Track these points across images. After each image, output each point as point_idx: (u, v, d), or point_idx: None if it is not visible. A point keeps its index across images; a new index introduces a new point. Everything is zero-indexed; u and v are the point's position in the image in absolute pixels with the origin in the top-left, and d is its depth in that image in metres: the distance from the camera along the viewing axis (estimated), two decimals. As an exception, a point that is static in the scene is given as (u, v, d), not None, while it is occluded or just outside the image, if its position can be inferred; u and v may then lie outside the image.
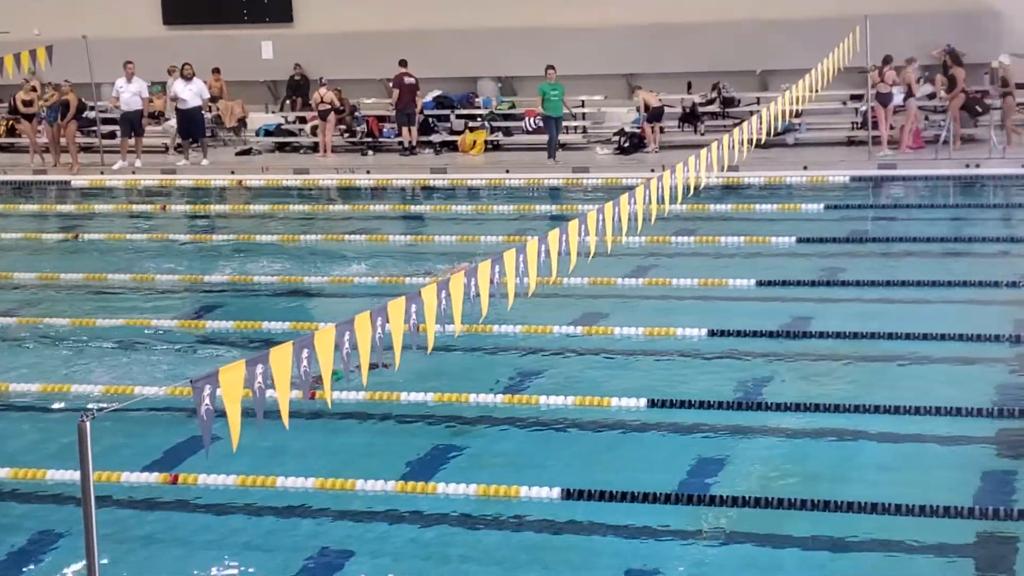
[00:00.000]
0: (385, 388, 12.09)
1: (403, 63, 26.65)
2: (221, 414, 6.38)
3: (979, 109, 24.39)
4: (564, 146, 25.81)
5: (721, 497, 9.91)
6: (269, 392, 6.84)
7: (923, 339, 13.31)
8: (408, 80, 26.65)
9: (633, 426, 11.62)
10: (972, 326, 13.62)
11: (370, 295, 15.37)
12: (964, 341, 13.32)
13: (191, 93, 26.78)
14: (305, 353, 7.29)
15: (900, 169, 22.49)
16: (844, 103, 26.55)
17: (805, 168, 22.86)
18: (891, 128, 24.44)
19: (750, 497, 9.81)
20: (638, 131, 26.24)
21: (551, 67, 25.13)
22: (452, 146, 27.49)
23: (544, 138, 26.37)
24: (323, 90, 27.20)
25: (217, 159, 27.22)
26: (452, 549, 9.43)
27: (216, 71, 29.07)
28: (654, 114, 25.71)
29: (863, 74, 23.85)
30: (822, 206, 20.57)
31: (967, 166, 22.17)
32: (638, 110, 26.27)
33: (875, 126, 24.23)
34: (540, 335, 14.18)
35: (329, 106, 26.99)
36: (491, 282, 9.14)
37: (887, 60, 23.89)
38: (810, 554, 9.15)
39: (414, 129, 27.10)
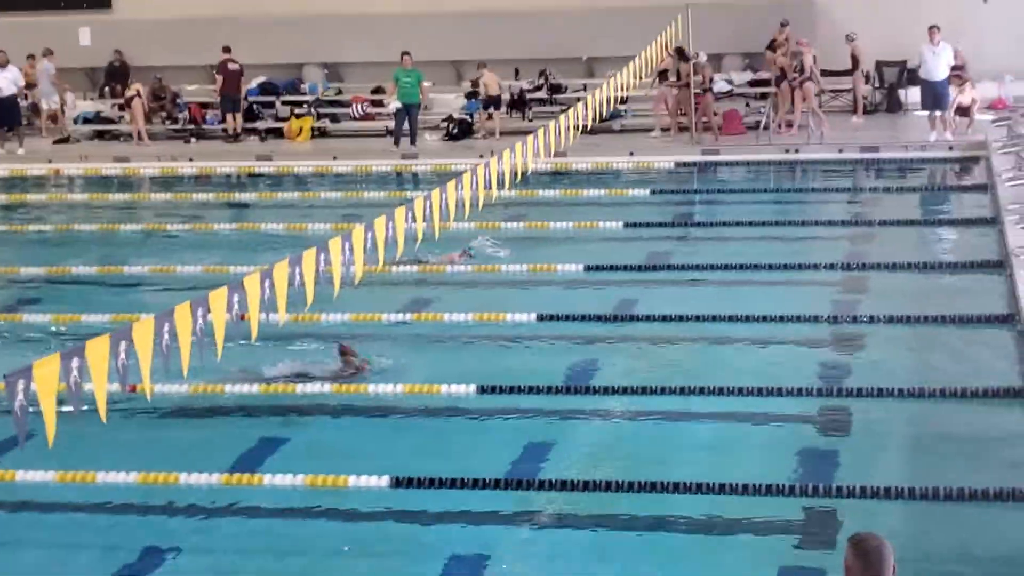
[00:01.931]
0: (209, 379, 11.84)
1: (227, 49, 26.19)
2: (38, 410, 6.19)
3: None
4: (390, 132, 25.58)
5: (550, 481, 9.96)
6: (87, 386, 6.65)
7: (746, 321, 13.56)
8: (232, 66, 26.20)
9: (463, 412, 11.61)
10: (793, 307, 13.92)
11: (194, 285, 15.06)
12: (785, 322, 13.60)
13: (6, 81, 25.89)
14: (123, 346, 7.11)
15: (723, 155, 22.89)
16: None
17: (631, 154, 23.10)
18: (715, 115, 24.78)
19: (579, 480, 9.87)
20: (467, 117, 26.24)
21: (406, 53, 24.89)
22: (278, 133, 27.12)
23: (377, 124, 26.24)
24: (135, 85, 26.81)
25: (33, 148, 26.36)
26: (280, 541, 9.29)
27: (31, 58, 28.16)
28: (491, 100, 25.65)
29: (687, 62, 24.19)
30: (648, 191, 20.83)
31: (787, 151, 22.68)
32: (474, 92, 26.18)
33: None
34: (369, 322, 14.06)
35: (134, 92, 26.43)
36: (317, 270, 9.02)
37: (678, 52, 24.07)
38: (639, 535, 9.25)
39: (238, 116, 26.67)
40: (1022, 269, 13.40)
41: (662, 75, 24.80)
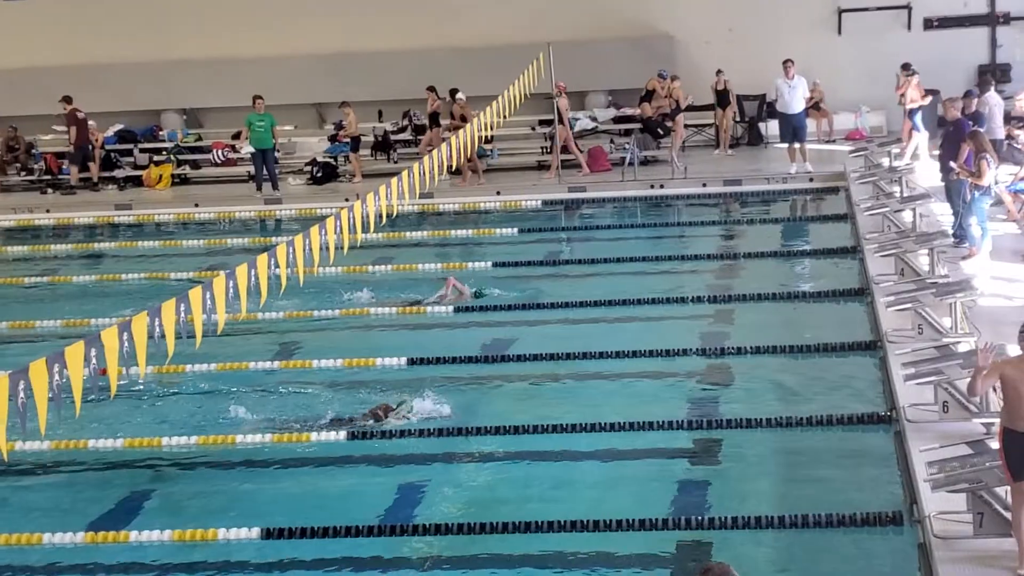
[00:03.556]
0: (71, 436, 11.50)
1: (68, 99, 25.35)
2: None
3: (660, 132, 25.20)
4: (252, 177, 25.24)
5: (425, 526, 9.84)
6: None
7: (617, 356, 13.58)
8: (80, 115, 25.57)
9: (335, 460, 11.43)
10: (663, 341, 13.98)
11: (53, 339, 14.65)
12: (656, 356, 13.65)
13: None
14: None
15: (589, 192, 23.01)
16: (533, 128, 27.00)
17: (498, 193, 23.13)
18: (581, 151, 24.92)
19: (453, 524, 9.76)
20: (330, 160, 26.06)
21: (259, 97, 24.56)
22: (137, 181, 26.59)
23: (239, 170, 25.91)
24: (-8, 129, 26.11)
25: None
26: (148, 601, 9.05)
27: None
28: (354, 143, 25.47)
29: (549, 100, 24.31)
30: (516, 230, 20.84)
31: (652, 187, 22.87)
32: (337, 133, 25.99)
33: (564, 150, 24.73)
34: (236, 371, 13.78)
35: (-1, 139, 25.87)
36: (178, 320, 8.79)
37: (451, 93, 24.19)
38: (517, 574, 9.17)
39: (93, 165, 26.03)
40: (883, 297, 13.63)
41: (433, 118, 24.79)
